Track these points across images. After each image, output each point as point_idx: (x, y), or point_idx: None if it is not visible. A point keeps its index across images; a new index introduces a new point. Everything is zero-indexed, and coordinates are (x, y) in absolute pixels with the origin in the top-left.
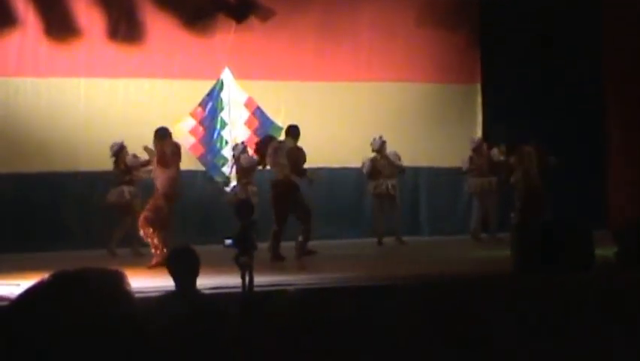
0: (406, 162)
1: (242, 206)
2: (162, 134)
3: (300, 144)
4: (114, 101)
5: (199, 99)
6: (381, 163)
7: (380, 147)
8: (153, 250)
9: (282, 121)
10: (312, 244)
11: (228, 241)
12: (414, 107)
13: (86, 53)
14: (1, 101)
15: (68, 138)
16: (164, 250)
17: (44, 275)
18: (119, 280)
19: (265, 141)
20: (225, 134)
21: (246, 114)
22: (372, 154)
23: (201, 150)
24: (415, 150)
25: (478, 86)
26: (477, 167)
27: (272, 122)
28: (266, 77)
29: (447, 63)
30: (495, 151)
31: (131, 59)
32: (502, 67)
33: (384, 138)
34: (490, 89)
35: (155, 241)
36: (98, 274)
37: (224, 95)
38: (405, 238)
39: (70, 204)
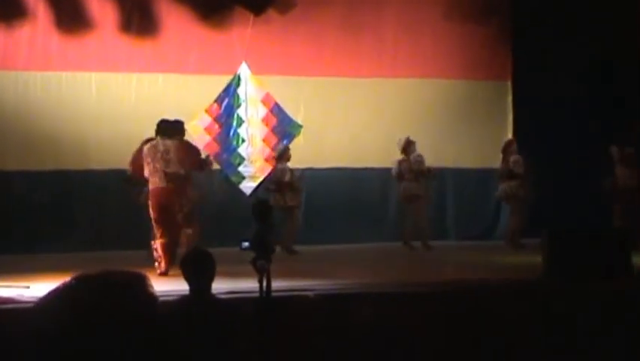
0: (431, 162)
1: (260, 207)
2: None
3: (320, 143)
4: (126, 97)
5: (215, 95)
6: (405, 165)
7: (405, 148)
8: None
9: (301, 119)
10: (336, 248)
11: (245, 244)
12: (440, 105)
13: (97, 46)
14: (10, 96)
15: (79, 133)
16: (165, 260)
17: (59, 277)
18: (142, 283)
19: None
20: (242, 131)
21: (263, 111)
22: (401, 155)
23: (217, 148)
24: (441, 150)
25: (509, 84)
26: (505, 170)
27: (291, 120)
28: (285, 72)
29: (476, 59)
30: (517, 158)
31: (144, 53)
32: (534, 63)
33: (412, 138)
34: (522, 87)
35: (159, 250)
36: (121, 277)
37: (241, 91)
38: (431, 243)
39: (82, 202)
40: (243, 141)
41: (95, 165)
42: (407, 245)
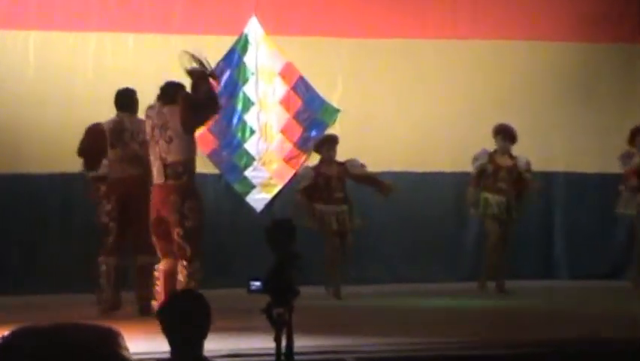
0: (534, 166)
1: (277, 230)
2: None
3: (366, 135)
4: (79, 65)
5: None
6: (492, 168)
7: (501, 144)
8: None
9: (338, 99)
10: (388, 289)
11: (256, 284)
12: (547, 77)
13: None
14: None
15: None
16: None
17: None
18: (112, 342)
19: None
20: (250, 118)
21: (282, 89)
22: (486, 153)
23: (213, 142)
24: (547, 146)
25: None
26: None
27: (323, 102)
28: (314, 31)
29: (597, 15)
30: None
31: (106, 5)
32: None
33: (511, 125)
34: None
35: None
36: (82, 333)
37: (249, 59)
38: (533, 283)
39: (13, 220)
40: (253, 132)
41: (30, 168)
42: (481, 285)
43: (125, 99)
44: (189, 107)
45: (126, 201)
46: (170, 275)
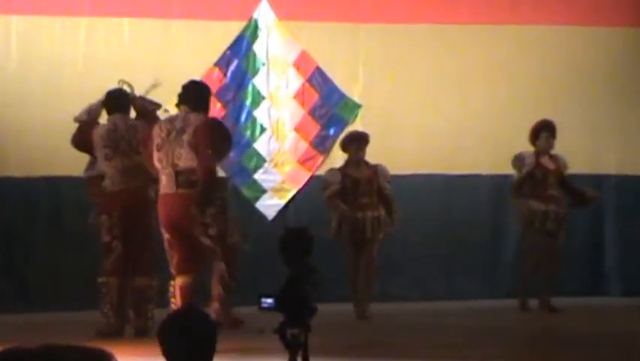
0: (583, 167)
1: (292, 240)
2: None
3: (393, 133)
4: (68, 54)
5: (214, 54)
6: (540, 173)
7: (546, 143)
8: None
9: (359, 93)
10: (409, 306)
11: (267, 301)
12: (597, 68)
13: None
14: None
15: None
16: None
17: None
18: None
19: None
20: (260, 114)
21: (296, 81)
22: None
23: None
24: (595, 145)
25: None
26: None
27: (342, 96)
28: (332, 16)
29: None
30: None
31: None
32: None
33: (553, 122)
34: None
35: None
36: (74, 356)
37: (259, 47)
38: (578, 300)
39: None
40: (263, 130)
41: (13, 171)
42: (522, 303)
43: (117, 100)
44: (223, 138)
45: (128, 215)
46: (188, 291)
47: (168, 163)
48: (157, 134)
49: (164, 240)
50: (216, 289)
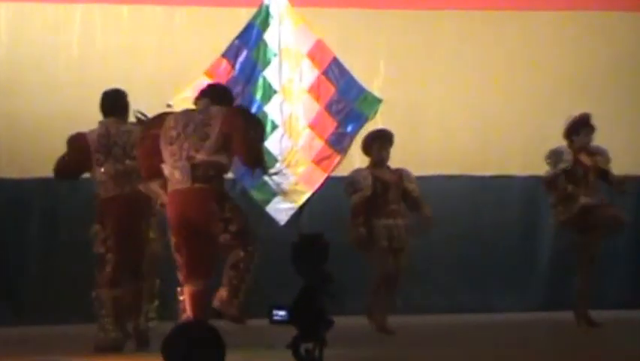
0: (621, 168)
1: (306, 248)
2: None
3: (417, 131)
4: (63, 44)
5: (222, 44)
6: (581, 170)
7: (586, 139)
8: None
9: (379, 87)
10: (435, 318)
11: (280, 313)
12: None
13: None
14: None
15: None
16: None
17: None
18: None
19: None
20: (272, 110)
21: (311, 74)
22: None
23: None
24: (630, 140)
25: None
26: None
27: (361, 89)
28: (350, 2)
29: None
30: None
31: None
32: None
33: (591, 118)
34: None
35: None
36: None
37: (270, 37)
38: (618, 313)
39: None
40: (275, 126)
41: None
42: (580, 318)
43: (113, 102)
44: (257, 122)
45: (122, 222)
46: (200, 300)
47: (183, 156)
48: (170, 127)
49: (171, 245)
50: (227, 276)
